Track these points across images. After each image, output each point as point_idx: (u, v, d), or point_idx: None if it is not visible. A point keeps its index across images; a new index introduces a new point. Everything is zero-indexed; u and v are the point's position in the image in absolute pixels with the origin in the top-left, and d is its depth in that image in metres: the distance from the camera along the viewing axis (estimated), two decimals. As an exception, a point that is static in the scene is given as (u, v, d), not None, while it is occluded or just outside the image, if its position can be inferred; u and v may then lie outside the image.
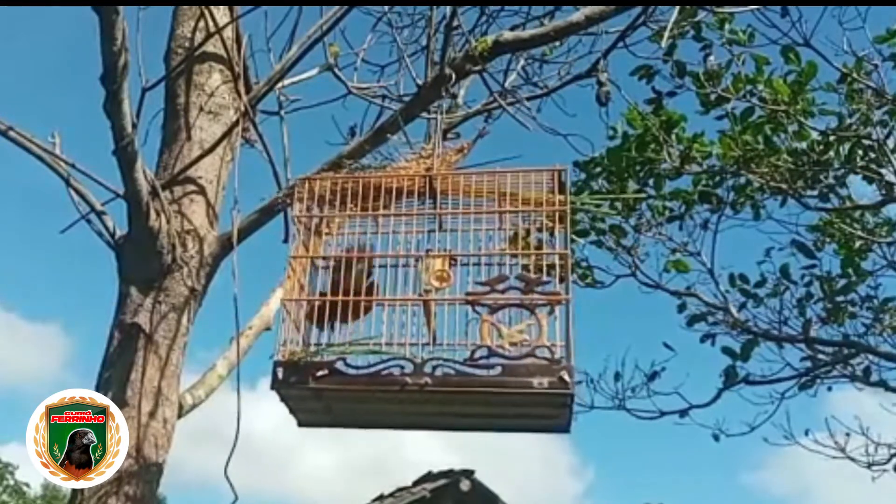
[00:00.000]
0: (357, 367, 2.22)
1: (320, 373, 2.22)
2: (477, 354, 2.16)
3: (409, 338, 2.31)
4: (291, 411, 2.38)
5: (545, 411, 2.25)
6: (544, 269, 2.27)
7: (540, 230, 2.39)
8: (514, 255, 2.38)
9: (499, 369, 2.14)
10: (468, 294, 2.27)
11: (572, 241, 2.57)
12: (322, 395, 2.26)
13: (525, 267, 2.33)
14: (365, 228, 2.51)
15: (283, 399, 2.31)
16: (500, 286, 2.24)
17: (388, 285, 2.42)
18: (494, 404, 2.24)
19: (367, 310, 2.37)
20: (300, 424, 2.44)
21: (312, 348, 2.31)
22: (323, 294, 2.42)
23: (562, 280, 2.25)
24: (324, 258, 2.47)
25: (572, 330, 2.18)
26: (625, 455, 40.02)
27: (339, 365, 2.22)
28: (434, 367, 2.16)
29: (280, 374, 2.24)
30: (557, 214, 2.35)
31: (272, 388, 2.25)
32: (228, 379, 3.38)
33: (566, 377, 2.10)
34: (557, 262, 2.28)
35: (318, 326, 2.37)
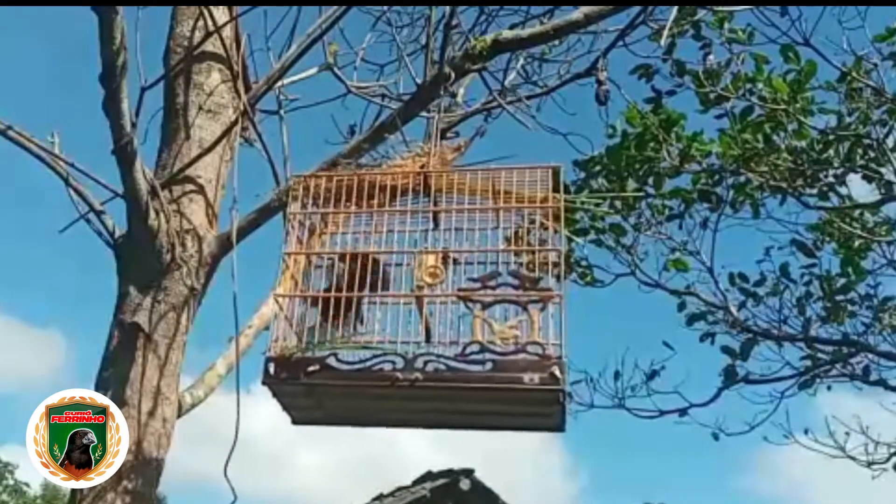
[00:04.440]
0: (349, 363, 2.23)
1: (311, 368, 2.22)
2: (468, 350, 2.17)
3: (402, 335, 2.32)
4: (284, 408, 2.39)
5: (538, 409, 2.25)
6: (536, 265, 2.27)
7: (537, 228, 2.39)
8: (509, 253, 2.38)
9: (490, 365, 2.14)
10: (460, 290, 2.27)
11: (570, 239, 2.57)
12: (313, 390, 2.27)
13: (523, 265, 2.32)
14: (361, 226, 2.51)
15: (275, 395, 2.31)
16: (493, 283, 2.24)
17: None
18: (487, 401, 2.24)
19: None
20: (294, 422, 2.45)
21: (304, 344, 2.32)
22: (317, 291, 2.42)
23: (556, 277, 2.25)
24: (318, 254, 2.47)
25: (565, 327, 2.19)
26: (619, 457, 40.00)
27: (331, 360, 2.23)
28: (425, 363, 2.17)
29: (271, 370, 2.25)
30: (552, 212, 2.35)
31: (263, 383, 2.26)
32: (227, 378, 3.38)
33: (557, 373, 2.10)
34: (552, 259, 2.28)
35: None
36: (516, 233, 2.42)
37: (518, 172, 2.42)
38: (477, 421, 2.45)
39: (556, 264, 2.27)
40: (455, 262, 2.37)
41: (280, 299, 2.36)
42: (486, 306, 2.22)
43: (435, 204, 2.47)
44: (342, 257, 2.43)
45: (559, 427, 2.35)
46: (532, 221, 2.40)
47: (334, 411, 2.42)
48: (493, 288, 2.23)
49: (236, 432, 2.56)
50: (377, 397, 2.29)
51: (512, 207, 2.40)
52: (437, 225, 2.46)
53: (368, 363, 2.21)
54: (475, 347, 2.16)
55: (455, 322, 2.28)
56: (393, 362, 2.19)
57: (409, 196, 2.51)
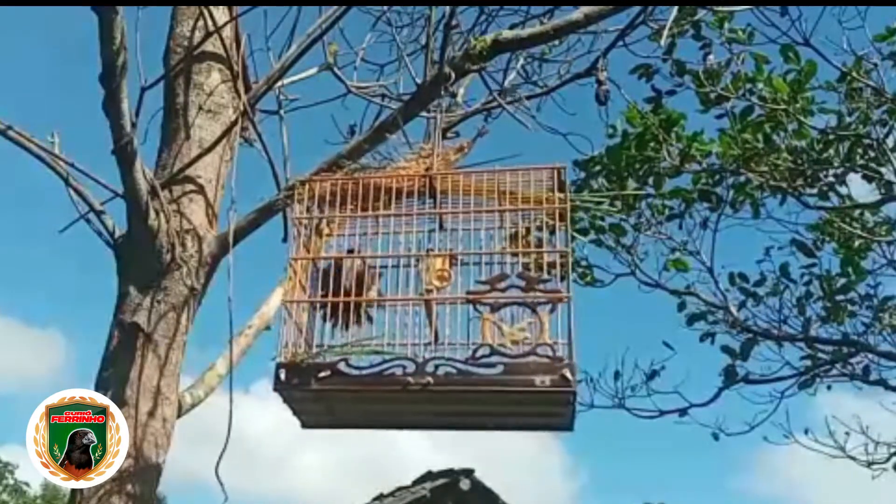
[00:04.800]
0: (359, 368, 2.23)
1: (322, 374, 2.22)
2: (479, 353, 2.17)
3: (410, 338, 2.32)
4: (295, 413, 2.38)
5: (548, 409, 2.25)
6: (545, 267, 2.27)
7: (540, 229, 2.39)
8: (515, 254, 2.38)
9: (501, 368, 2.15)
10: (469, 293, 2.27)
11: (573, 239, 2.56)
12: (325, 396, 2.27)
13: (526, 265, 2.33)
14: (365, 229, 2.51)
15: (285, 401, 2.31)
16: (501, 285, 2.24)
17: (390, 285, 2.44)
18: (497, 403, 2.24)
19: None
20: (304, 426, 2.45)
21: (314, 349, 2.31)
22: (325, 295, 2.42)
23: (563, 278, 2.25)
24: (325, 259, 2.47)
25: (574, 328, 2.18)
26: (619, 457, 39.98)
27: (342, 366, 2.23)
28: (436, 367, 2.17)
29: (282, 376, 2.25)
30: (558, 212, 2.35)
31: (274, 389, 2.25)
32: (228, 378, 3.38)
33: (568, 375, 2.10)
34: (558, 260, 2.28)
35: (332, 324, 2.38)
36: (519, 233, 2.42)
37: (522, 173, 2.42)
38: (487, 422, 2.45)
39: (562, 265, 2.27)
40: (462, 262, 2.38)
41: (289, 305, 2.36)
42: (495, 308, 2.22)
43: (440, 206, 2.47)
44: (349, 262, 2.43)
45: (568, 426, 2.36)
46: (537, 224, 2.40)
47: (344, 416, 2.42)
48: (502, 290, 2.23)
49: (228, 431, 2.56)
50: (388, 401, 2.29)
51: (518, 209, 2.40)
52: (442, 226, 2.45)
53: (379, 368, 2.21)
54: (485, 350, 2.17)
55: (464, 324, 2.28)
56: (404, 367, 2.19)
57: (414, 198, 2.51)
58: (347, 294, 2.37)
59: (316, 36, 3.47)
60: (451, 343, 2.29)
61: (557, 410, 2.25)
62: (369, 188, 2.47)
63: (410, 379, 2.16)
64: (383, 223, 2.47)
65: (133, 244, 3.06)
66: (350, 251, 2.48)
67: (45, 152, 3.11)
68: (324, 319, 2.40)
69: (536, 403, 2.20)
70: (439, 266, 2.33)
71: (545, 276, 2.24)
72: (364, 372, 2.22)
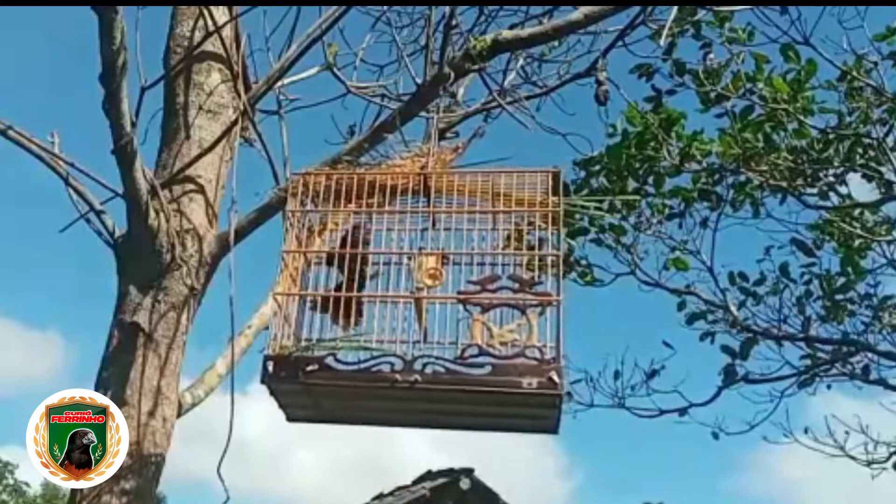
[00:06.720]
0: (347, 363, 2.24)
1: (310, 368, 2.23)
2: (467, 353, 2.18)
3: (400, 335, 2.33)
4: (281, 406, 2.40)
5: (535, 411, 2.27)
6: (536, 269, 2.28)
7: (536, 231, 2.40)
8: (507, 256, 2.38)
9: (488, 368, 2.16)
10: (460, 293, 2.27)
11: (567, 242, 2.57)
12: (312, 390, 2.28)
13: (522, 265, 2.33)
14: (359, 225, 2.51)
15: (272, 393, 2.32)
16: (492, 286, 2.25)
17: (381, 282, 2.45)
18: (484, 403, 2.25)
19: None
20: (289, 419, 2.46)
21: (303, 343, 2.32)
22: (316, 289, 2.43)
23: (555, 279, 2.26)
24: (316, 253, 2.48)
25: (563, 331, 2.19)
26: (614, 457, 40.02)
27: (330, 360, 2.24)
28: (424, 365, 2.18)
29: (270, 369, 2.26)
30: (551, 216, 2.36)
31: (262, 382, 2.27)
32: (228, 378, 3.38)
33: (555, 378, 2.11)
34: (550, 262, 2.28)
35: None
36: (512, 235, 2.42)
37: (517, 175, 2.43)
38: (473, 422, 2.46)
39: (553, 265, 2.27)
40: (453, 262, 2.38)
41: (279, 298, 2.36)
42: (485, 309, 2.23)
43: (433, 205, 2.47)
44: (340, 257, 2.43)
45: (554, 429, 2.37)
46: (530, 223, 2.41)
47: (331, 410, 2.43)
48: (493, 291, 2.24)
49: (230, 431, 2.57)
50: (375, 398, 2.29)
51: (511, 210, 2.41)
52: (434, 225, 2.46)
53: (367, 364, 2.21)
54: (474, 350, 2.17)
55: (453, 324, 2.29)
56: (392, 363, 2.20)
57: (409, 196, 2.51)
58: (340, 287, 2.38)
59: (316, 36, 3.47)
60: (440, 342, 2.30)
61: (544, 413, 2.27)
62: (364, 184, 2.48)
63: (398, 376, 2.17)
64: (377, 220, 2.48)
65: (133, 244, 3.07)
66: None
67: (45, 152, 3.12)
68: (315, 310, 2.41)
69: (523, 405, 2.21)
70: (431, 265, 2.34)
71: (536, 278, 2.25)
72: (352, 367, 2.23)
